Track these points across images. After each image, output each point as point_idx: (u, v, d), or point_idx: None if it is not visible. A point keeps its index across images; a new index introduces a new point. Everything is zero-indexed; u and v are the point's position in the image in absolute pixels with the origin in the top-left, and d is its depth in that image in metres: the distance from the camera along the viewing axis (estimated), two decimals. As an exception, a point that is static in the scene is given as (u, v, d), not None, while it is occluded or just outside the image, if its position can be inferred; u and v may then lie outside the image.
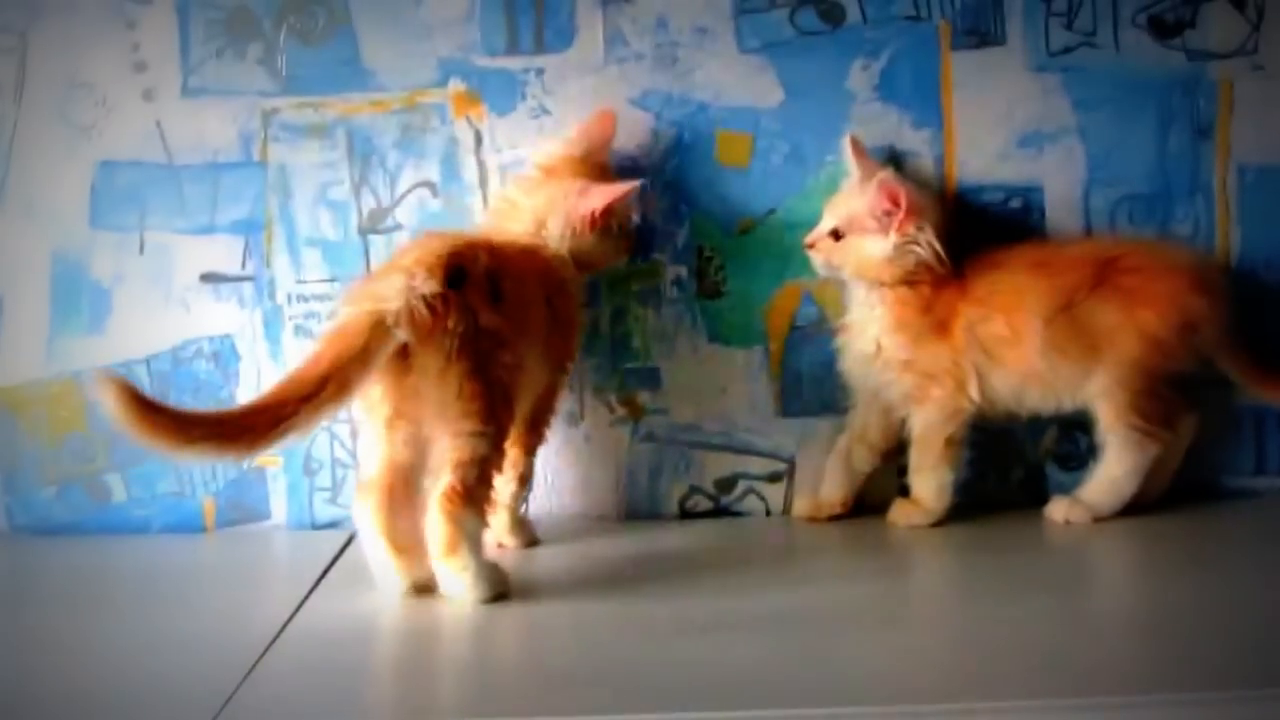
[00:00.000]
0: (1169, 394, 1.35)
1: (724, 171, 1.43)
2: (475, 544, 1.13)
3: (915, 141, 1.44)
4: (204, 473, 1.45)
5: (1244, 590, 1.15)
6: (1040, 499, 1.43)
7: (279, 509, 1.45)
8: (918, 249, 1.33)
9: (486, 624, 1.12)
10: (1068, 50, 1.44)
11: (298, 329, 1.44)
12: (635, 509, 1.45)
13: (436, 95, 1.43)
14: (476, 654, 1.09)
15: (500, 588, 1.15)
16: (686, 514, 1.46)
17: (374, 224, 1.43)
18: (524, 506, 1.35)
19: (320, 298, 1.43)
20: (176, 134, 1.42)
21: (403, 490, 1.15)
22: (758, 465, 1.46)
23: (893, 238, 1.33)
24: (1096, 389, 1.34)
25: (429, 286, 1.09)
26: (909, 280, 1.35)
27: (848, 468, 1.42)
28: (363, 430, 1.17)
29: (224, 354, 1.44)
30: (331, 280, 1.43)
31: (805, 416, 1.46)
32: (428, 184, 1.43)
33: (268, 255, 1.44)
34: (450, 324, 1.10)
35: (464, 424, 1.12)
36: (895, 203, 1.32)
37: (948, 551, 1.33)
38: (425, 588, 1.15)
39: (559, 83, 1.42)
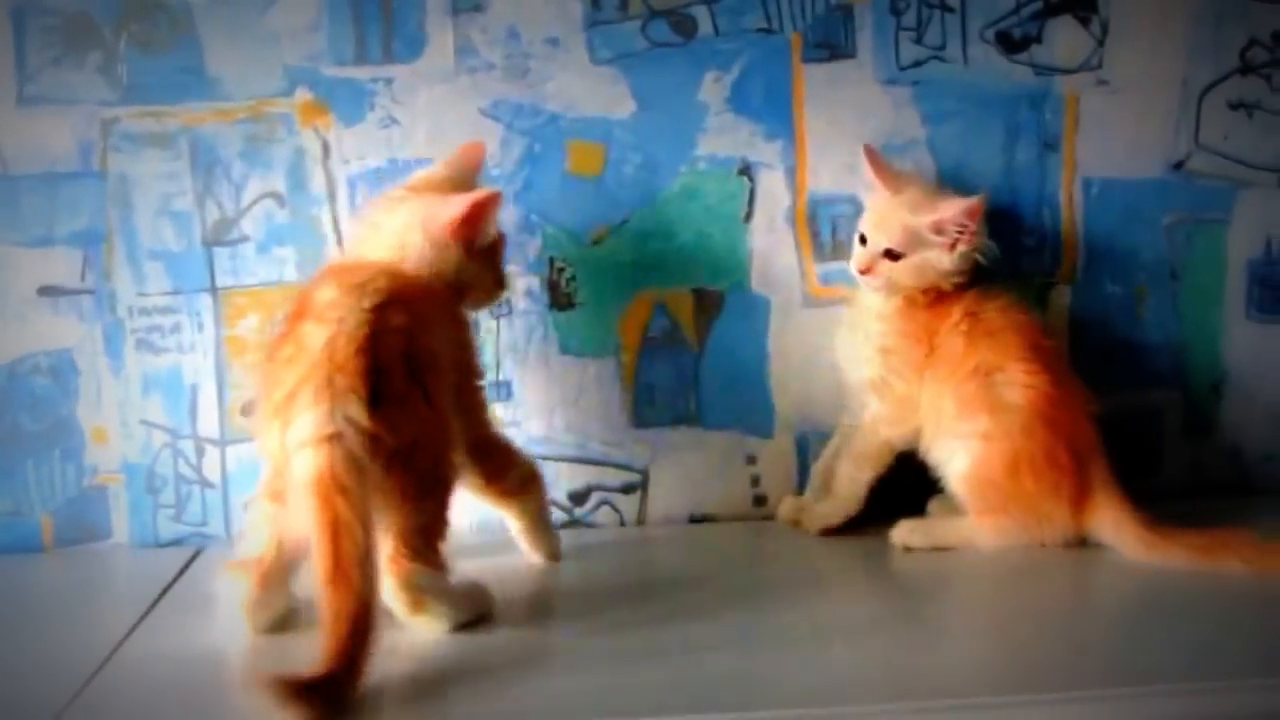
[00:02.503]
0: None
1: (576, 182, 1.43)
2: (438, 592, 1.11)
3: (767, 153, 1.44)
4: (41, 490, 1.41)
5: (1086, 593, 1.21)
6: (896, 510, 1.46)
7: (120, 527, 1.42)
8: (979, 255, 1.34)
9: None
10: (917, 64, 1.45)
11: (139, 343, 1.41)
12: (487, 523, 1.42)
13: (283, 105, 1.40)
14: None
15: (479, 609, 1.14)
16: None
17: (219, 235, 1.41)
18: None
19: (163, 310, 1.40)
20: (12, 143, 1.38)
21: (279, 570, 1.14)
22: (611, 476, 1.46)
23: (960, 250, 1.33)
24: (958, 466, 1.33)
25: (358, 414, 1.05)
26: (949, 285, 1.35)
27: (826, 481, 1.42)
28: (252, 508, 1.15)
29: (62, 369, 1.41)
30: (174, 293, 1.41)
31: (659, 427, 1.46)
32: (274, 195, 1.41)
33: (108, 268, 1.40)
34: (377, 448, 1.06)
35: (404, 505, 1.10)
36: (972, 219, 1.33)
37: (811, 559, 1.34)
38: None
39: (408, 93, 1.41)
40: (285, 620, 1.14)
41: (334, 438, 1.03)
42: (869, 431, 1.37)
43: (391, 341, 1.09)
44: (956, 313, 1.34)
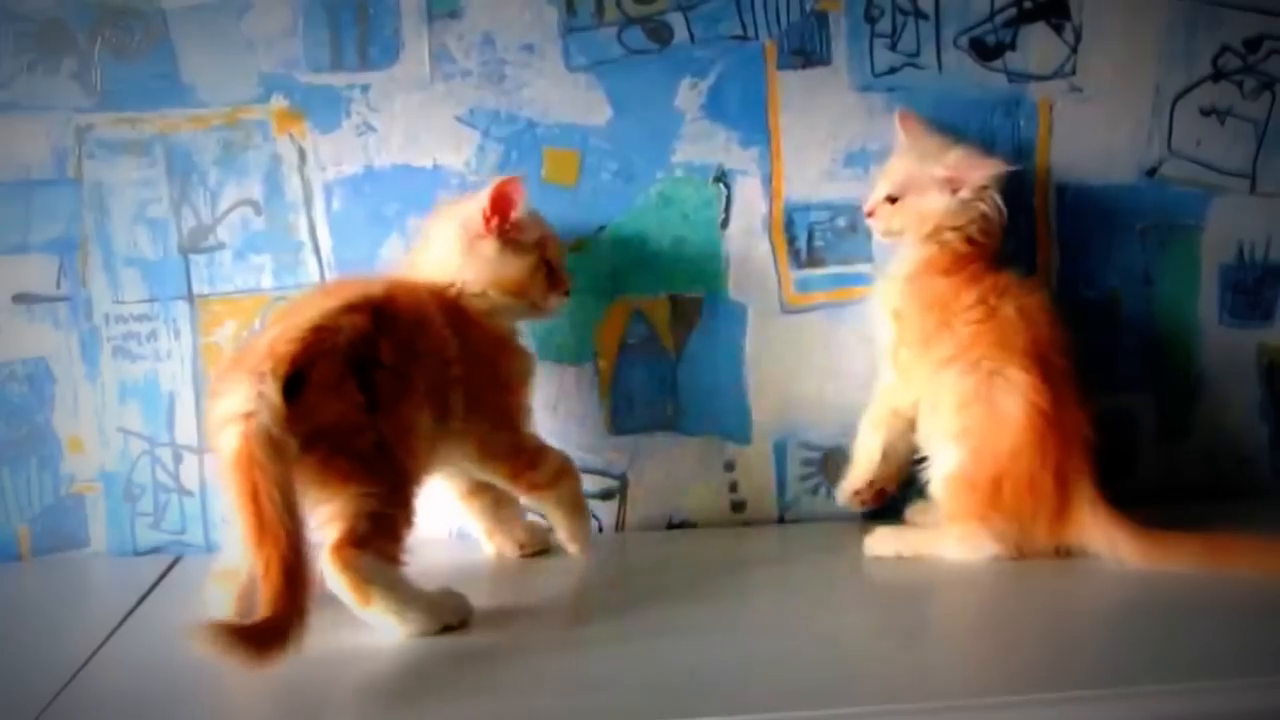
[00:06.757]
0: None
1: (552, 190, 1.43)
2: (389, 585, 1.11)
3: (743, 160, 1.45)
4: (18, 499, 1.41)
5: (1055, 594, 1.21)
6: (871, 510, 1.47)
7: (98, 536, 1.42)
8: (982, 204, 1.35)
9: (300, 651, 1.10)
10: (892, 71, 1.46)
11: (116, 350, 1.40)
12: (467, 530, 1.43)
13: (258, 111, 1.40)
14: (286, 680, 1.06)
15: (446, 618, 1.13)
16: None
17: (195, 243, 1.41)
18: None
19: (139, 318, 1.40)
20: (-15, 150, 1.38)
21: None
22: (590, 483, 1.45)
23: (962, 193, 1.34)
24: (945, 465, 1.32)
25: (272, 393, 1.07)
26: (959, 240, 1.35)
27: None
28: (232, 521, 1.12)
29: (38, 377, 1.40)
30: (151, 300, 1.40)
31: (636, 434, 1.46)
32: (250, 202, 1.41)
33: (84, 275, 1.40)
34: (293, 428, 1.08)
35: (347, 489, 1.11)
36: (981, 171, 1.34)
37: (791, 564, 1.35)
38: None
39: (384, 99, 1.41)
40: None
41: (250, 415, 1.06)
42: (879, 397, 1.38)
43: (334, 338, 1.12)
44: (972, 296, 1.33)
